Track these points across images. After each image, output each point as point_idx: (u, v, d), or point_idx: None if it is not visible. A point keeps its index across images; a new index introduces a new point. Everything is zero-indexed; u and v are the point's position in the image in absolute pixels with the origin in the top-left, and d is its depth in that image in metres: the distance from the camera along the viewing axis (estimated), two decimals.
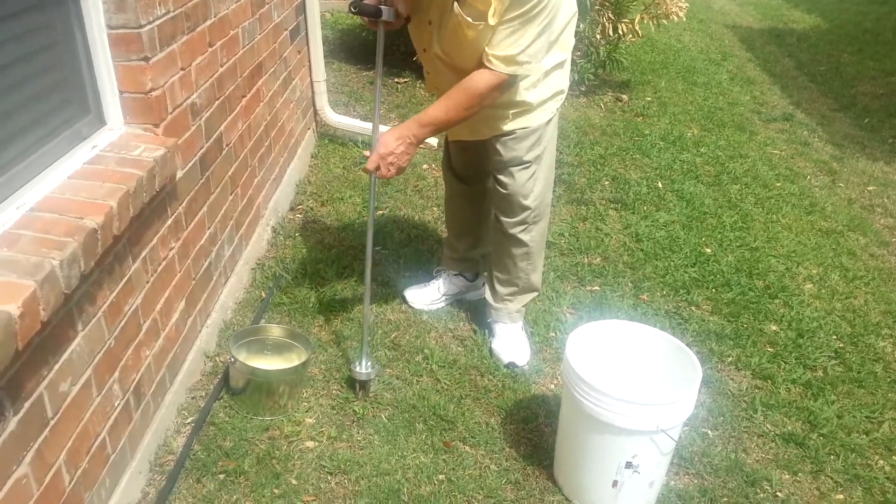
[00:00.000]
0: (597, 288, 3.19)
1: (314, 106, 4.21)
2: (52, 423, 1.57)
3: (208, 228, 2.51)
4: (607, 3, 5.01)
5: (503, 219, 2.56)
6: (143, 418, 2.07)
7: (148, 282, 2.05)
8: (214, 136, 2.51)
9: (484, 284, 2.83)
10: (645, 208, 3.89)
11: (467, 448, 2.34)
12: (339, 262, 3.16)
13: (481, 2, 2.05)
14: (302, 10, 3.82)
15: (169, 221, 2.17)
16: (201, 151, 2.40)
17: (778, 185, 4.34)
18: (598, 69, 5.36)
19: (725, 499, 2.23)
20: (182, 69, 2.19)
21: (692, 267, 3.39)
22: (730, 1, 9.50)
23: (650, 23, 5.23)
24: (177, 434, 2.27)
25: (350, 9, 2.19)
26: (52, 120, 1.80)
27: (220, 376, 2.49)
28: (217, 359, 2.58)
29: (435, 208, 3.68)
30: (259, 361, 2.47)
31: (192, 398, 2.41)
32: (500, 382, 2.60)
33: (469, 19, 2.09)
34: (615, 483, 2.06)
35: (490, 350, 2.74)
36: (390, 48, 5.13)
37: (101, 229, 1.66)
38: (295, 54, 3.70)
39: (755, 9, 9.20)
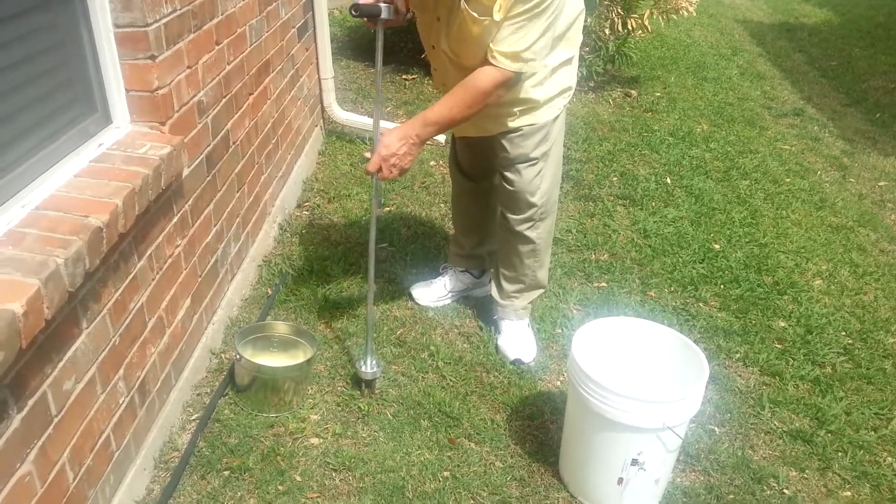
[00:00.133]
0: (604, 284, 3.18)
1: (322, 103, 4.21)
2: (55, 420, 1.58)
3: (214, 226, 2.52)
4: None
5: (510, 216, 2.55)
6: (147, 415, 2.08)
7: (153, 279, 2.05)
8: (221, 134, 2.52)
9: (490, 281, 2.83)
10: (653, 204, 3.87)
11: (472, 445, 2.33)
12: (345, 259, 3.17)
13: None
14: (310, 7, 3.82)
15: (175, 219, 2.18)
16: (208, 149, 2.40)
17: (788, 180, 4.31)
18: (608, 64, 5.33)
19: (732, 496, 2.22)
20: (189, 67, 2.20)
21: (700, 263, 3.37)
22: None
23: (660, 18, 5.20)
24: (182, 431, 2.28)
25: (350, 12, 2.19)
26: (59, 118, 1.80)
27: (225, 373, 2.50)
28: (223, 355, 2.59)
29: (442, 205, 3.68)
30: (265, 358, 2.47)
31: (198, 395, 2.42)
32: (505, 379, 2.60)
33: (475, 14, 2.08)
34: (621, 480, 2.05)
35: (496, 347, 2.73)
36: (398, 45, 5.13)
37: (107, 227, 1.66)
38: (302, 52, 3.71)
39: (766, 3, 9.13)
